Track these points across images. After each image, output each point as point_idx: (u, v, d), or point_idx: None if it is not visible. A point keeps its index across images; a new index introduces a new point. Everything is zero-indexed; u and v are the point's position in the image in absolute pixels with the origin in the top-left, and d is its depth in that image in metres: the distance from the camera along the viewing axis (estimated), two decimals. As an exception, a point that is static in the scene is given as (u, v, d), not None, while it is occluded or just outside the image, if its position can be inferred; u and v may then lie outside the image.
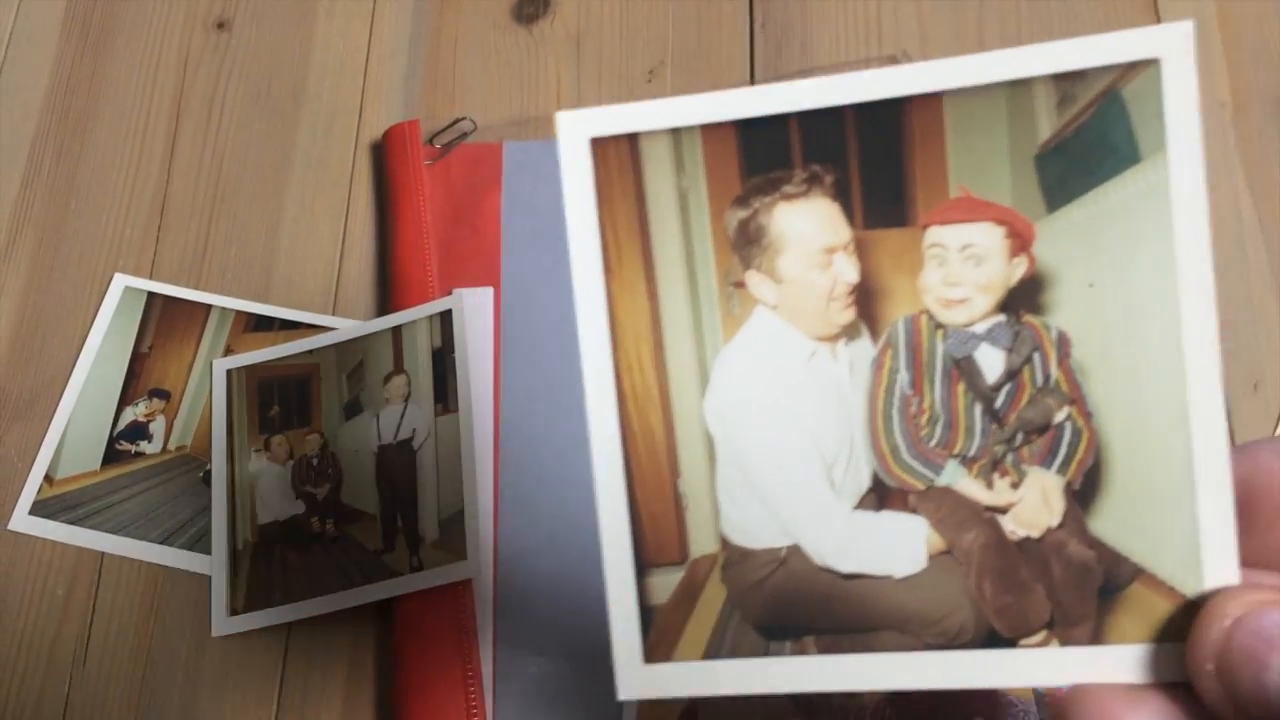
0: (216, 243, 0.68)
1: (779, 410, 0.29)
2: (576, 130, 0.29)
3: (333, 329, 0.65)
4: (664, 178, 0.30)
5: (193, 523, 0.61)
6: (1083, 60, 0.27)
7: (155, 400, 0.64)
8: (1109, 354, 0.28)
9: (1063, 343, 0.28)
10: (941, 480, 0.29)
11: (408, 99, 0.71)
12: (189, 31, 0.74)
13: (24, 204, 0.69)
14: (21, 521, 0.61)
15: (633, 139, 0.29)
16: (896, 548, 0.29)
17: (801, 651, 0.29)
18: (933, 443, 0.29)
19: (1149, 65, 0.27)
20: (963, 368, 0.29)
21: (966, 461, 0.29)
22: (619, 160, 0.29)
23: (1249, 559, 0.27)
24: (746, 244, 0.29)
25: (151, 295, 0.66)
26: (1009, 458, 0.29)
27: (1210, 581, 0.27)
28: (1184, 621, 0.26)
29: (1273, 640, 0.24)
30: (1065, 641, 0.28)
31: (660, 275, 0.30)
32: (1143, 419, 0.27)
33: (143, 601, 0.59)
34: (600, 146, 0.29)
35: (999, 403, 0.29)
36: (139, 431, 0.64)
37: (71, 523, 0.61)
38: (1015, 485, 0.28)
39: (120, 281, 0.67)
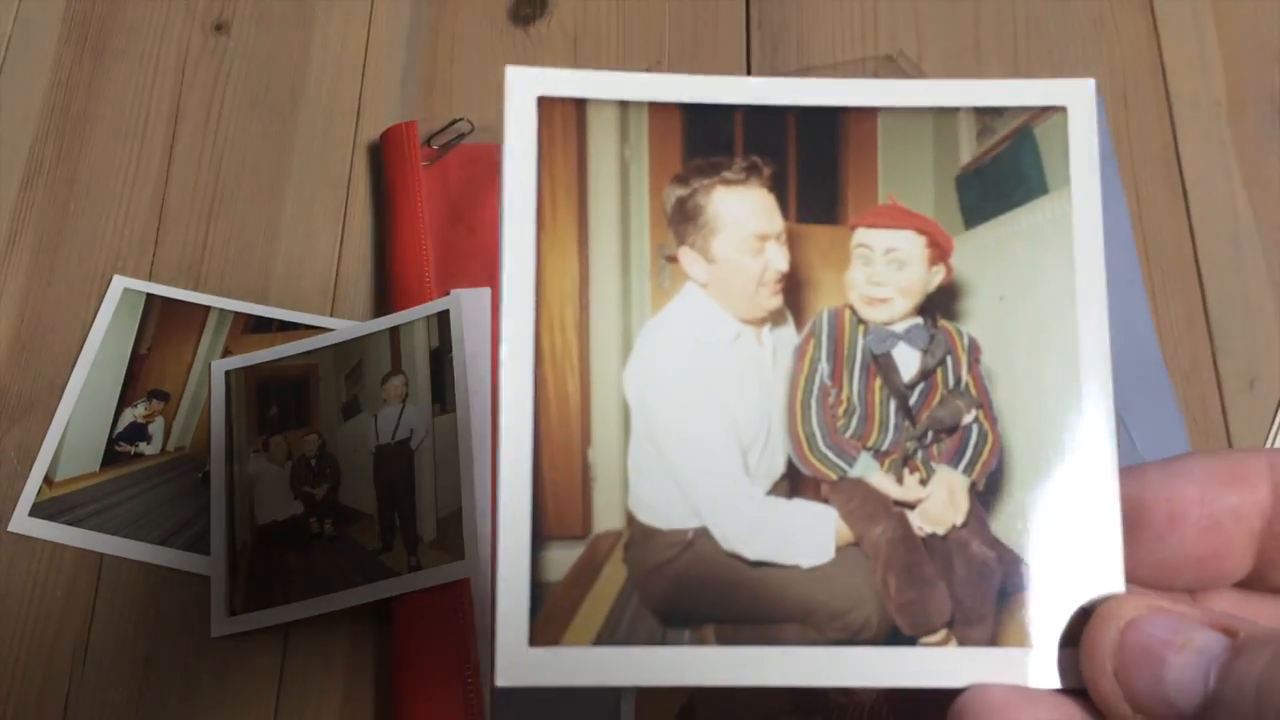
0: (215, 244, 0.68)
1: (700, 387, 0.29)
2: (525, 86, 0.29)
3: (331, 330, 0.65)
4: (608, 145, 0.30)
5: (192, 523, 0.61)
6: (1002, 99, 0.30)
7: (154, 401, 0.64)
8: (1014, 364, 0.29)
9: (973, 349, 0.29)
10: (854, 471, 0.29)
11: (405, 100, 0.72)
12: (187, 33, 0.74)
13: (23, 206, 0.69)
14: (21, 523, 0.61)
15: (580, 104, 0.29)
16: (805, 537, 0.29)
17: (700, 640, 0.28)
18: (848, 434, 0.29)
19: (1058, 111, 0.30)
20: (880, 363, 0.30)
21: (879, 455, 0.29)
22: (564, 122, 0.29)
23: (1135, 574, 0.28)
24: (683, 221, 0.30)
25: (150, 297, 0.67)
26: (919, 454, 0.29)
27: (1098, 589, 0.28)
28: (1075, 628, 0.27)
29: (1169, 640, 0.25)
30: (963, 641, 0.28)
31: (593, 239, 0.29)
32: (1042, 428, 0.29)
33: (142, 602, 0.59)
34: (547, 106, 0.29)
35: (913, 400, 0.30)
36: (138, 433, 0.64)
37: (71, 524, 0.61)
38: (924, 482, 0.29)
39: (119, 283, 0.67)
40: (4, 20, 0.75)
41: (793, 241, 0.30)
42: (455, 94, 0.71)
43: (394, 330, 0.63)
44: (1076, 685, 0.27)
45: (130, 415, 0.64)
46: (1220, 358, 0.63)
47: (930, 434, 0.29)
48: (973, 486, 0.29)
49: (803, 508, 0.29)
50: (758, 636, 0.28)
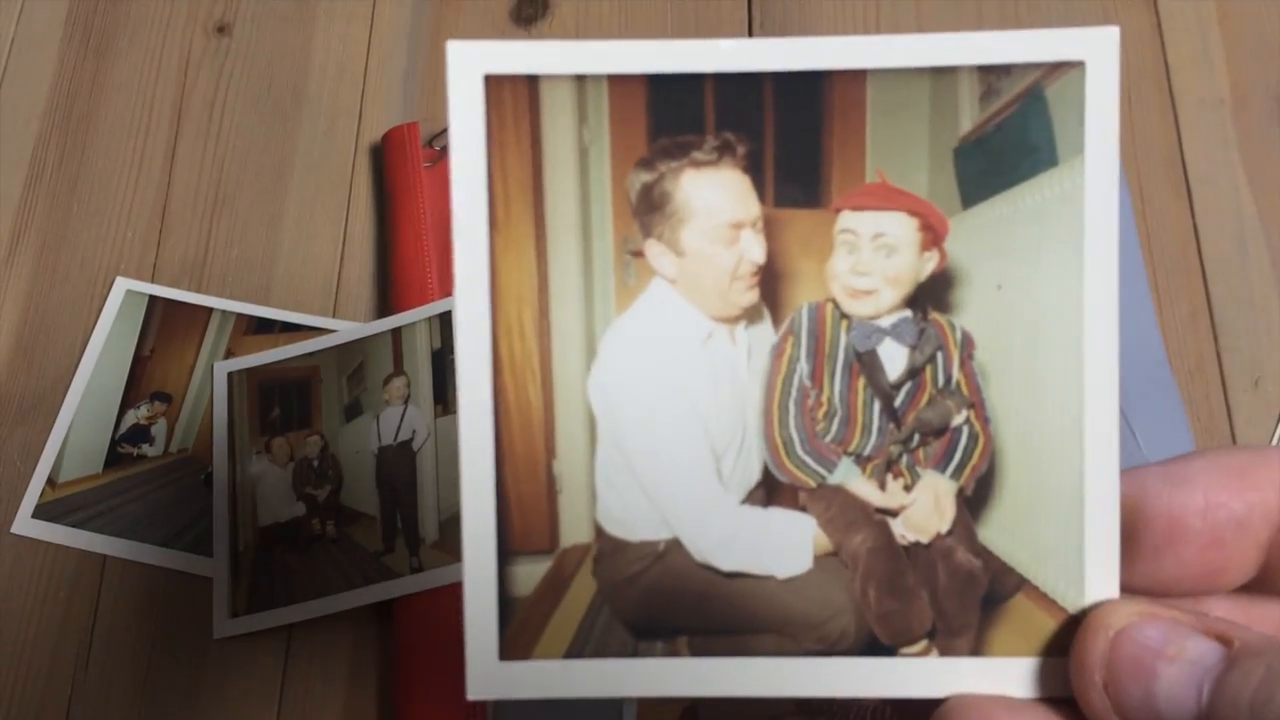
0: (217, 246, 0.68)
1: (669, 392, 0.27)
2: (469, 64, 0.26)
3: (333, 331, 0.65)
4: (565, 129, 0.27)
5: (194, 525, 0.61)
6: (1009, 54, 0.26)
7: (157, 403, 0.65)
8: (1011, 360, 0.27)
9: (967, 344, 0.27)
10: (834, 479, 0.27)
11: (407, 101, 0.72)
12: (189, 35, 0.74)
13: (26, 208, 0.70)
14: (24, 525, 0.61)
15: (533, 81, 0.26)
16: (782, 547, 0.27)
17: (673, 653, 0.27)
18: (828, 438, 0.28)
19: (1074, 67, 0.26)
20: (864, 362, 0.27)
21: (861, 460, 0.27)
22: (515, 103, 0.26)
23: (1130, 585, 0.26)
24: (649, 210, 0.27)
25: (153, 298, 0.67)
26: (904, 459, 0.27)
27: (1091, 597, 0.26)
28: (1065, 637, 0.26)
29: (1160, 650, 0.24)
30: (945, 652, 0.27)
31: (551, 236, 0.27)
32: (1038, 429, 0.27)
33: (145, 604, 0.59)
34: (496, 85, 0.26)
35: (898, 401, 0.28)
36: (141, 434, 0.64)
37: (74, 525, 0.61)
38: (908, 488, 0.27)
39: (122, 285, 0.67)
40: (7, 22, 0.75)
41: (770, 229, 0.27)
42: (457, 95, 0.71)
43: (396, 331, 0.63)
44: (1064, 694, 0.26)
45: (133, 417, 0.64)
46: (1225, 356, 0.63)
47: (916, 437, 0.28)
48: (960, 492, 0.27)
49: (779, 517, 0.27)
50: (732, 647, 0.27)
